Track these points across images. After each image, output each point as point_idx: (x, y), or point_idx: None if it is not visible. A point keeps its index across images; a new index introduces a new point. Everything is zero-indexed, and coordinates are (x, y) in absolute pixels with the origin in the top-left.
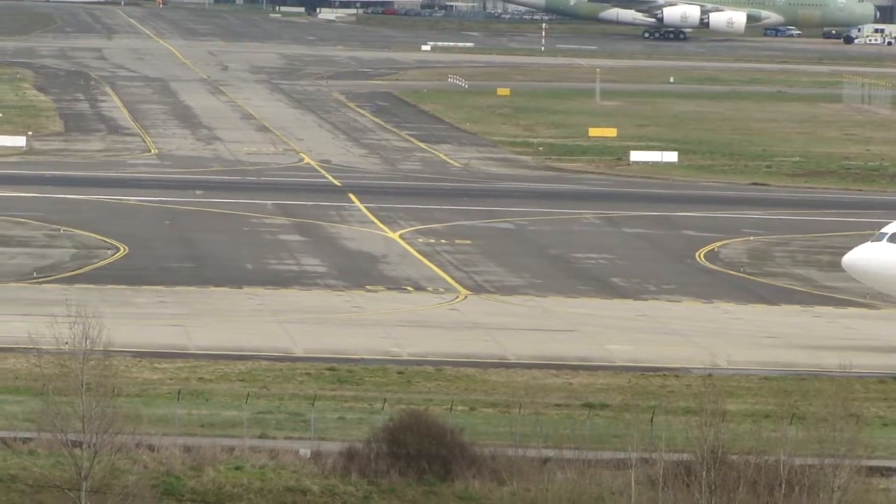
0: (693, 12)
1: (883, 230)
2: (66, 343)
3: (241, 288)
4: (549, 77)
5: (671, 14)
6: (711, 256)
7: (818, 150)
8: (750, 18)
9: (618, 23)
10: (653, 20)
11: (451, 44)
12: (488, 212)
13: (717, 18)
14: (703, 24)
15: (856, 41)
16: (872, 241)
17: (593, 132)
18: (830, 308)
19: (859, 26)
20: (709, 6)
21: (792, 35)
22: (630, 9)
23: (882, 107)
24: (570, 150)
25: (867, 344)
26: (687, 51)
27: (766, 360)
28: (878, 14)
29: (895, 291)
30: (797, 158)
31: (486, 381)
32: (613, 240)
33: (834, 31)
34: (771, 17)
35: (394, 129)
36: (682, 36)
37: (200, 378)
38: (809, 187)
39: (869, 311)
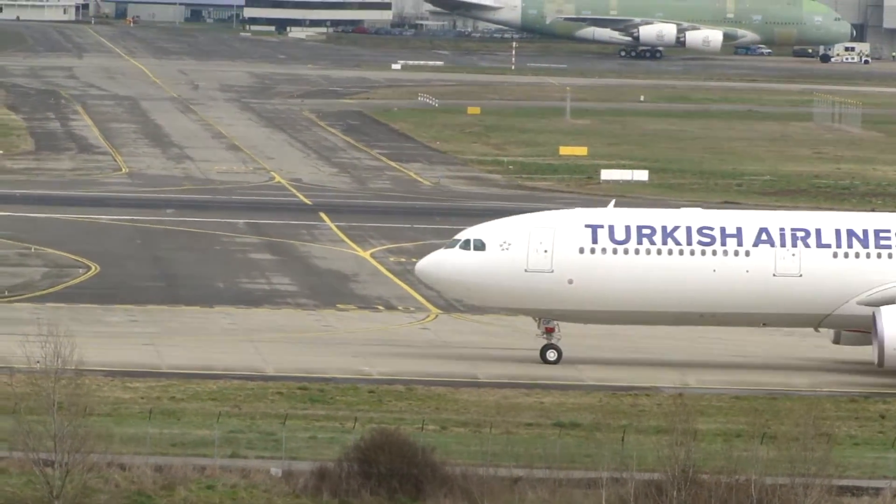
0: (669, 31)
1: (456, 237)
2: (38, 362)
3: (212, 307)
4: (520, 95)
5: (647, 33)
6: None
7: (789, 168)
8: (726, 37)
9: (594, 41)
10: (629, 39)
11: (422, 62)
12: (459, 231)
13: (694, 37)
14: (680, 42)
15: (832, 59)
16: (445, 248)
17: (564, 151)
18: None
19: (833, 45)
20: (685, 25)
21: (762, 53)
22: (606, 27)
23: (852, 125)
24: (541, 168)
25: (838, 364)
26: (658, 69)
27: (736, 380)
28: (854, 32)
29: (467, 297)
30: (768, 177)
31: (457, 400)
32: None
33: (810, 50)
34: (747, 35)
35: (364, 148)
36: (658, 55)
37: (172, 397)
38: (780, 205)
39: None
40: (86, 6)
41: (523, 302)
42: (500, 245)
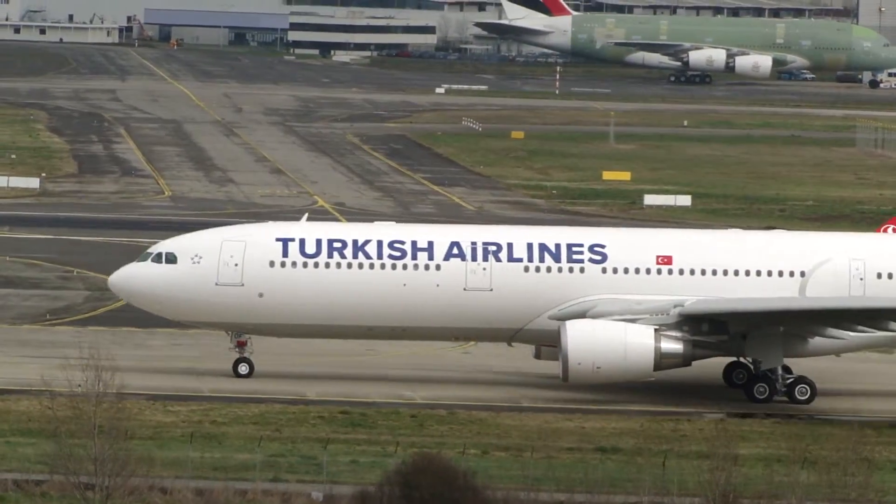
0: (719, 56)
1: (149, 250)
2: (79, 385)
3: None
4: (563, 120)
5: (697, 58)
6: None
7: (832, 193)
8: (776, 62)
9: (643, 66)
10: (679, 64)
11: (466, 86)
12: None
13: (743, 62)
14: (729, 68)
15: (881, 85)
16: (138, 261)
17: (607, 175)
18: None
19: (882, 70)
20: (734, 50)
21: (806, 79)
22: (656, 52)
23: (895, 151)
24: (584, 193)
25: (880, 388)
26: (701, 94)
27: (777, 405)
28: None
29: (160, 311)
30: (811, 202)
31: (498, 424)
32: None
33: (860, 76)
34: (797, 60)
35: (408, 172)
36: (707, 80)
37: (213, 421)
38: (823, 231)
39: (883, 355)
40: (129, 29)
41: (215, 315)
42: (192, 258)
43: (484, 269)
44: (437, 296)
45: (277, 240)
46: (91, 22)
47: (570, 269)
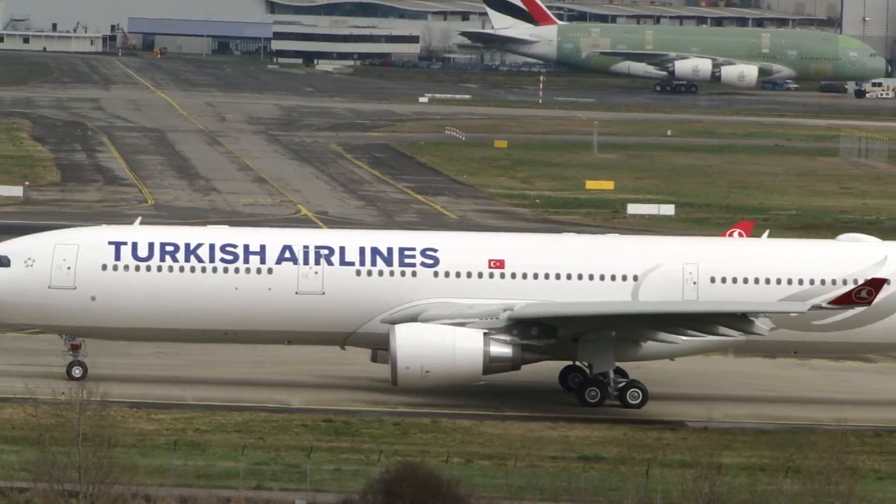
0: (705, 66)
1: None
2: (63, 393)
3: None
4: (547, 129)
5: (683, 67)
6: None
7: (815, 203)
8: (762, 72)
9: (629, 76)
10: (664, 73)
11: (449, 96)
12: None
13: (729, 72)
14: (715, 77)
15: (867, 95)
16: None
17: (590, 185)
18: (826, 361)
19: (867, 80)
20: (720, 60)
21: (789, 88)
22: (642, 62)
23: (879, 160)
24: (567, 202)
25: (863, 397)
26: (685, 104)
27: (761, 414)
28: (889, 68)
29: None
30: (794, 212)
31: (482, 433)
32: None
33: (846, 86)
34: (783, 70)
35: (391, 181)
36: (693, 89)
37: (197, 429)
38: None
39: (865, 365)
40: (113, 38)
41: (48, 319)
42: (25, 261)
43: (316, 272)
44: (268, 299)
45: (110, 243)
46: (75, 31)
47: (402, 273)
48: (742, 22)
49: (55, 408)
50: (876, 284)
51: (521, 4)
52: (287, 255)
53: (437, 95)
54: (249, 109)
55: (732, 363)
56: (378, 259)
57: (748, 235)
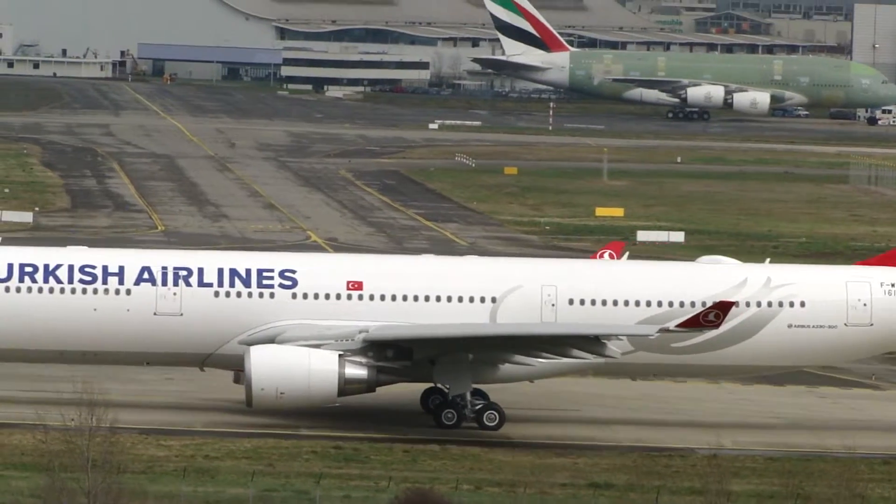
0: (717, 93)
1: None
2: (72, 419)
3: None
4: (557, 156)
5: (695, 94)
6: None
7: (825, 230)
8: (774, 99)
9: (641, 103)
10: (677, 100)
11: (459, 122)
12: None
13: (741, 99)
14: (727, 104)
15: (879, 122)
16: None
17: (600, 212)
18: (836, 389)
19: (880, 107)
20: (732, 87)
21: (800, 115)
22: (654, 89)
23: (889, 188)
24: (577, 229)
25: (872, 425)
26: (695, 131)
27: (770, 441)
28: None
29: None
30: (804, 239)
31: (491, 460)
32: None
33: (859, 114)
34: (795, 97)
35: (401, 208)
36: (706, 116)
37: (206, 455)
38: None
39: (874, 392)
40: (123, 63)
41: None
42: None
43: (174, 293)
44: (127, 320)
45: None
46: (84, 56)
47: (260, 294)
48: (752, 49)
49: (64, 434)
50: (723, 308)
51: (533, 31)
52: (146, 276)
53: (447, 122)
54: (259, 135)
55: (741, 391)
56: (236, 280)
57: (618, 257)
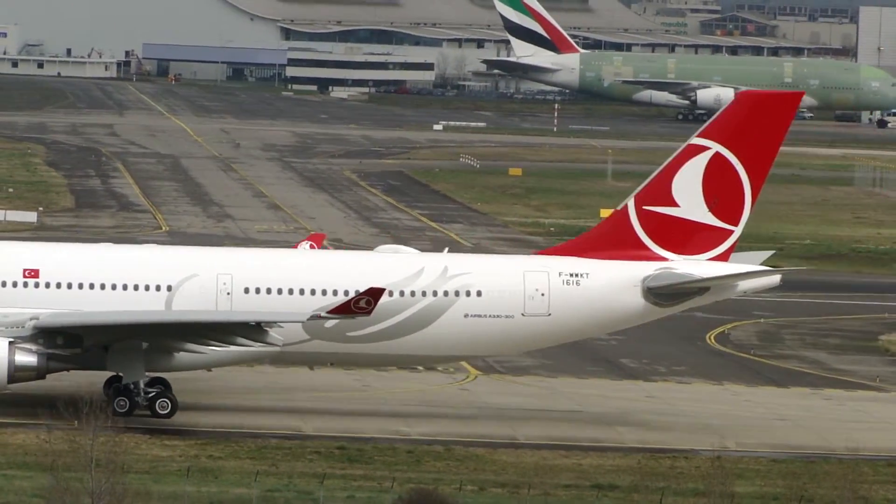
0: (727, 95)
1: None
2: (76, 420)
3: (251, 366)
4: (561, 157)
5: (705, 96)
6: (722, 338)
7: (829, 232)
8: None
9: (651, 105)
10: (686, 102)
11: (464, 123)
12: None
13: None
14: None
15: (889, 125)
16: None
17: (605, 213)
18: (840, 391)
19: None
20: (742, 89)
21: (805, 117)
22: (664, 91)
23: (893, 190)
24: (582, 230)
25: (876, 427)
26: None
27: (774, 443)
28: None
29: None
30: (808, 241)
31: (495, 461)
32: None
33: (869, 116)
34: (805, 100)
35: (405, 209)
36: None
37: (210, 455)
38: (820, 270)
39: (879, 394)
40: (127, 63)
41: None
42: None
43: None
44: None
45: None
46: (89, 56)
47: None
48: (757, 51)
49: (68, 434)
50: (374, 294)
51: (543, 32)
52: None
53: (452, 123)
54: (264, 136)
55: (745, 392)
56: None
57: (319, 247)
